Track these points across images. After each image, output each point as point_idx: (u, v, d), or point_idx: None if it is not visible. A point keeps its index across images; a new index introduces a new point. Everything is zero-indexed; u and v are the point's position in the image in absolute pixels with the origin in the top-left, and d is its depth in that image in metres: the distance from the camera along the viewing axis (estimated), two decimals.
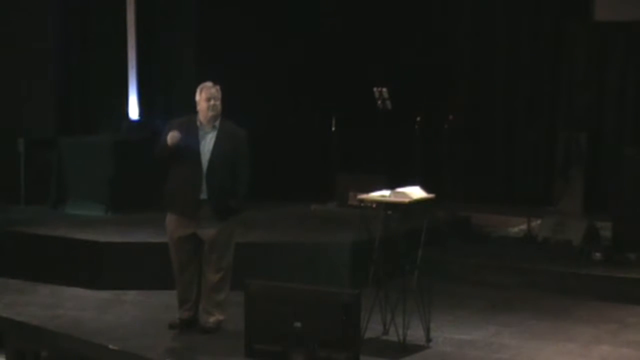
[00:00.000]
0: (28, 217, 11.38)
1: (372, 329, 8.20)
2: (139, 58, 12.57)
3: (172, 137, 8.08)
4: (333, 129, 12.18)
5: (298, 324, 7.50)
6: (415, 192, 8.14)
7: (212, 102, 8.23)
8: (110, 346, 8.09)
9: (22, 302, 9.44)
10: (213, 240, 8.25)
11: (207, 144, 8.23)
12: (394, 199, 8.07)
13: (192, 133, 8.24)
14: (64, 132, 12.42)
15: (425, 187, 8.31)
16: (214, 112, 8.23)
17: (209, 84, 8.32)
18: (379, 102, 11.79)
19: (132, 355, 7.92)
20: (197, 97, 8.30)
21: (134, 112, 12.63)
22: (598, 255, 10.28)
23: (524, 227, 11.49)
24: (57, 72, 12.81)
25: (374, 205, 8.45)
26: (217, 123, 8.27)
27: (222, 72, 12.02)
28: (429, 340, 8.15)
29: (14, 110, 12.47)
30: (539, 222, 11.22)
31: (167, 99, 12.59)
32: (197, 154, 8.20)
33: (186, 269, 8.40)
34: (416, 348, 7.98)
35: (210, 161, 8.19)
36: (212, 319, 8.36)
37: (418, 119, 11.45)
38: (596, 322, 8.85)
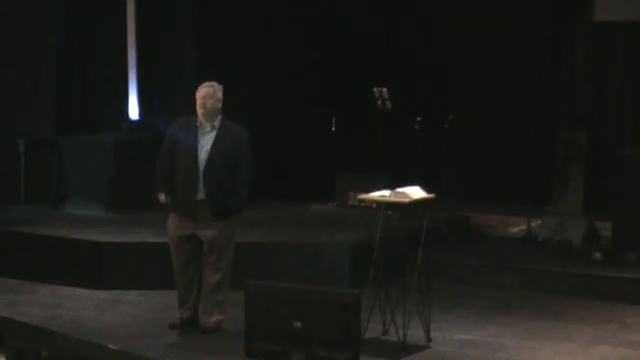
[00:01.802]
0: (28, 217, 11.37)
1: (372, 329, 8.20)
2: (139, 58, 12.56)
3: (162, 200, 8.33)
4: (333, 129, 12.18)
5: (298, 324, 7.50)
6: (415, 192, 8.15)
7: (201, 100, 8.22)
8: (110, 346, 8.09)
9: (22, 302, 9.45)
10: (212, 241, 8.25)
11: (206, 144, 8.22)
12: (394, 199, 8.07)
13: (191, 133, 8.25)
14: (64, 132, 12.41)
15: (425, 187, 8.31)
16: (203, 110, 8.20)
17: (206, 83, 8.33)
18: (379, 102, 11.79)
19: (132, 355, 7.92)
20: (196, 96, 8.33)
21: (134, 112, 12.62)
22: (598, 255, 10.28)
23: (524, 227, 11.49)
24: (57, 72, 12.80)
25: (374, 205, 8.47)
26: (216, 123, 8.26)
27: (222, 72, 12.04)
28: (429, 340, 8.15)
29: (14, 110, 12.47)
30: (539, 222, 11.21)
31: (167, 99, 12.59)
32: (194, 154, 8.20)
33: (186, 269, 8.40)
34: (416, 348, 7.99)
35: (207, 161, 8.19)
36: (212, 319, 8.36)
37: (418, 119, 11.45)
38: (596, 322, 8.85)
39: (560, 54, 12.51)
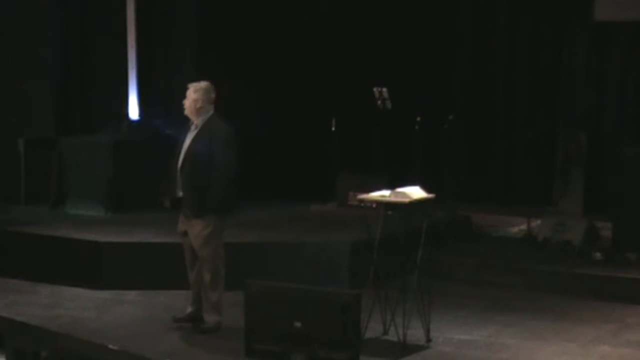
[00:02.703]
0: (28, 217, 11.37)
1: (372, 329, 8.20)
2: (139, 58, 12.56)
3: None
4: (333, 129, 12.17)
5: (298, 324, 7.50)
6: (415, 192, 8.15)
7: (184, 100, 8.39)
8: (110, 346, 8.09)
9: (22, 302, 9.45)
10: (194, 239, 8.34)
11: (186, 143, 8.31)
12: (394, 199, 8.08)
13: (185, 132, 8.38)
14: (64, 132, 12.42)
15: (425, 187, 8.31)
16: (185, 109, 8.33)
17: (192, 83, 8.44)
18: (379, 102, 11.78)
19: (132, 355, 7.92)
20: None
21: (134, 112, 12.62)
22: (598, 255, 10.28)
23: (524, 227, 11.49)
24: (57, 72, 12.81)
25: (374, 205, 8.45)
26: (199, 121, 8.31)
27: (222, 72, 12.04)
28: (429, 340, 8.15)
29: (14, 110, 12.47)
30: (539, 222, 11.21)
31: (167, 99, 12.59)
32: (179, 153, 8.32)
33: (192, 266, 8.51)
34: (416, 348, 7.99)
35: (183, 160, 8.30)
36: (210, 320, 8.39)
37: (418, 119, 11.45)
38: (596, 322, 8.85)
39: (560, 54, 12.51)
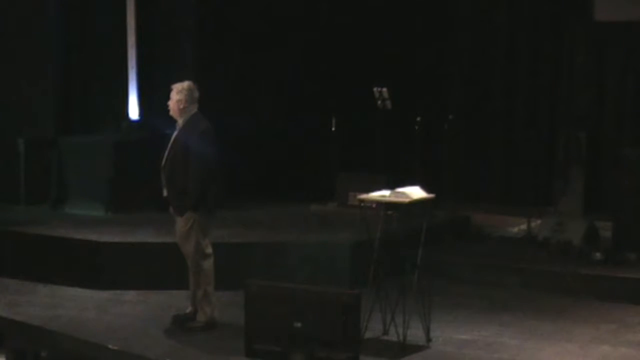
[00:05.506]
0: (28, 217, 11.37)
1: (372, 329, 8.20)
2: (139, 58, 12.55)
3: None
4: (333, 129, 12.18)
5: (298, 324, 7.51)
6: (415, 192, 8.15)
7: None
8: (110, 346, 8.10)
9: (22, 302, 9.45)
10: (177, 237, 8.44)
11: (170, 142, 8.39)
12: (394, 199, 8.08)
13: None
14: (64, 132, 12.41)
15: (425, 187, 8.31)
16: (170, 110, 8.39)
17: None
18: (379, 102, 11.79)
19: (132, 355, 7.93)
20: None
21: (134, 112, 12.61)
22: (598, 255, 10.27)
23: (524, 227, 11.48)
24: (57, 72, 12.79)
25: (374, 205, 8.46)
26: (182, 121, 8.37)
27: (222, 72, 12.05)
28: (429, 340, 8.15)
29: (14, 110, 12.46)
30: (539, 222, 11.21)
31: (167, 99, 12.54)
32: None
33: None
34: (416, 348, 7.99)
35: (165, 159, 8.37)
36: (197, 318, 8.46)
37: (418, 119, 11.45)
38: (596, 322, 8.85)
39: (560, 54, 12.51)
